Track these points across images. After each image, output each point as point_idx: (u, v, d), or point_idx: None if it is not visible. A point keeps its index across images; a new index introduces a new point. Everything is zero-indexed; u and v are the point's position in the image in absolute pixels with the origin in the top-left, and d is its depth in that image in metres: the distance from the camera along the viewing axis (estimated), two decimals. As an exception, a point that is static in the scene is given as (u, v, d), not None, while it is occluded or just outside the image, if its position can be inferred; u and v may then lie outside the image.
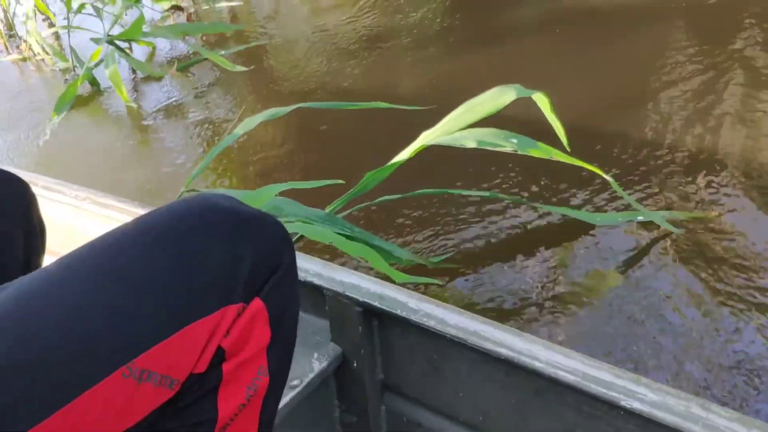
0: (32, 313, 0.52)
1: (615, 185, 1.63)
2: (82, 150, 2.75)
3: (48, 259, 0.72)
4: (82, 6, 3.70)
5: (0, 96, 3.51)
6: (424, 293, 1.29)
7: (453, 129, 1.55)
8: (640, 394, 0.73)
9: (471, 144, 1.50)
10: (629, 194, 1.73)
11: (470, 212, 1.82)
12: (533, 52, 2.81)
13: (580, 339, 1.38)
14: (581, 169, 1.62)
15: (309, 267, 0.98)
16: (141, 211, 1.19)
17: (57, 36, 4.32)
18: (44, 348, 0.50)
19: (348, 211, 1.68)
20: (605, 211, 1.74)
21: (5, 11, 4.50)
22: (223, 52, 3.26)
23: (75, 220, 1.28)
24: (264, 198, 1.48)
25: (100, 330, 0.52)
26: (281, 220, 1.39)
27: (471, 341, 0.84)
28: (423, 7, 3.54)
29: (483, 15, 3.35)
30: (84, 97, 3.21)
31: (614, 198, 1.76)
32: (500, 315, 1.47)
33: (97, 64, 3.22)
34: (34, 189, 0.82)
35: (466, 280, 1.59)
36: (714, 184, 1.77)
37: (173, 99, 3.02)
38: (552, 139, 1.55)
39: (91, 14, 3.69)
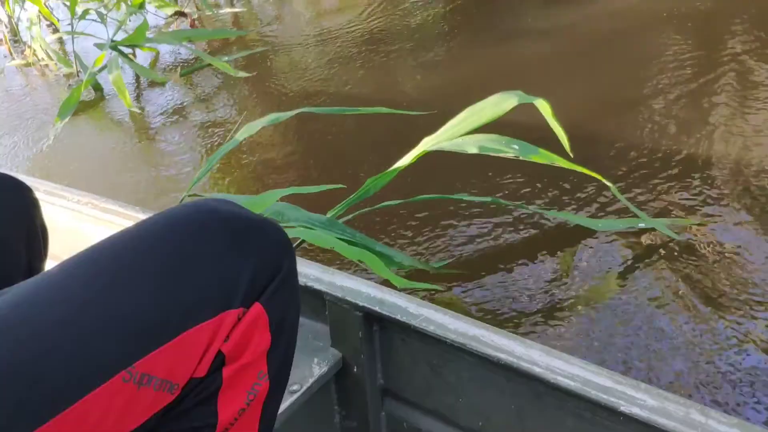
0: (31, 317, 0.52)
1: (616, 191, 1.64)
2: (85, 155, 2.76)
3: (50, 264, 0.73)
4: (86, 12, 3.72)
5: (4, 101, 3.53)
6: (424, 299, 1.30)
7: (455, 135, 1.55)
8: (639, 399, 0.73)
9: (472, 150, 1.50)
10: (630, 200, 1.73)
11: (471, 218, 1.82)
12: (533, 58, 2.82)
13: (579, 345, 1.38)
14: (582, 174, 1.62)
15: (309, 272, 0.99)
16: (142, 216, 1.20)
17: (61, 41, 4.35)
18: (43, 352, 0.50)
19: (349, 216, 1.69)
20: (606, 217, 1.74)
21: (10, 17, 4.52)
22: (226, 58, 3.28)
23: (77, 224, 1.29)
24: (266, 203, 1.49)
25: (99, 334, 0.52)
26: (283, 225, 1.39)
27: (471, 346, 0.84)
28: (425, 12, 3.55)
29: (484, 20, 3.36)
30: (87, 102, 3.22)
31: (616, 204, 1.76)
32: (500, 320, 1.47)
33: (100, 70, 3.23)
34: (37, 194, 0.83)
35: (467, 285, 1.59)
36: (714, 191, 1.77)
37: (176, 104, 3.03)
38: (553, 145, 1.55)
39: (95, 20, 3.71)
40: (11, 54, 4.30)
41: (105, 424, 0.52)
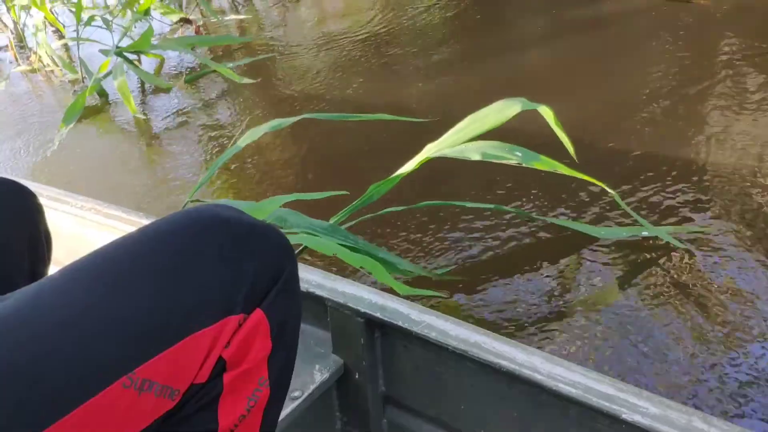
0: (32, 320, 0.52)
1: (618, 199, 1.63)
2: (89, 160, 2.78)
3: (53, 269, 0.73)
4: (91, 18, 3.75)
5: (9, 106, 3.55)
6: (427, 306, 1.29)
7: (458, 141, 1.55)
8: (641, 407, 0.73)
9: (475, 156, 1.50)
10: (630, 206, 1.73)
11: (474, 224, 1.82)
12: (537, 64, 2.83)
13: (581, 352, 1.38)
14: (585, 182, 1.62)
15: (311, 278, 0.99)
16: (145, 221, 1.20)
17: (66, 48, 4.37)
18: (43, 353, 0.50)
19: (352, 223, 1.69)
20: (608, 222, 1.74)
21: (15, 23, 4.55)
22: (230, 65, 3.29)
23: (80, 230, 1.29)
24: (269, 209, 1.49)
25: (100, 340, 0.52)
26: (285, 231, 1.40)
27: (472, 353, 0.84)
28: (428, 17, 3.57)
29: (487, 27, 3.37)
30: (92, 107, 3.24)
31: (618, 209, 1.76)
32: (502, 327, 1.46)
33: (105, 76, 3.25)
34: (41, 199, 0.83)
35: (470, 292, 1.59)
36: (718, 199, 1.77)
37: (180, 110, 3.04)
38: (556, 151, 1.55)
39: (100, 26, 3.74)
40: (17, 60, 4.33)
41: (105, 430, 0.51)
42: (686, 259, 1.58)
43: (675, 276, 1.53)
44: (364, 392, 0.99)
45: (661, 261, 1.58)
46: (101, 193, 2.33)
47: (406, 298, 0.98)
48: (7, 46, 4.50)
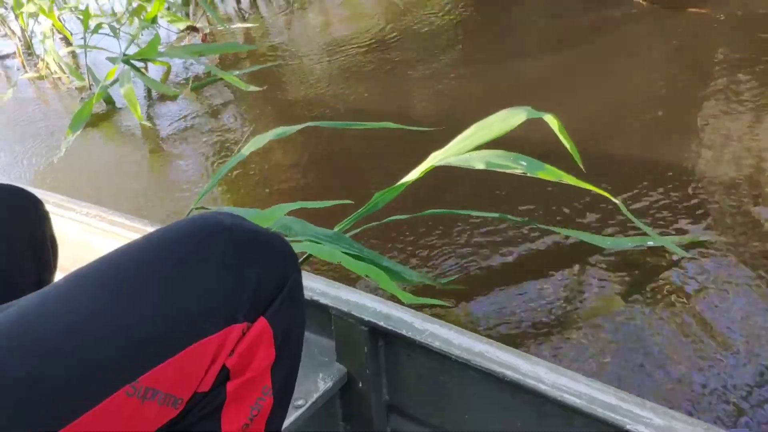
0: (36, 327, 0.52)
1: (624, 209, 1.63)
2: (95, 166, 2.79)
3: (59, 276, 0.73)
4: (99, 26, 3.77)
5: (17, 113, 3.57)
6: (432, 314, 1.29)
7: (463, 150, 1.55)
8: (645, 418, 0.72)
9: (480, 165, 1.50)
10: (634, 214, 1.72)
11: (479, 233, 1.82)
12: (542, 72, 2.83)
13: (585, 362, 1.37)
14: (590, 191, 1.62)
15: (315, 286, 0.99)
16: (149, 229, 1.20)
17: (74, 55, 4.40)
18: (47, 364, 0.50)
19: (357, 231, 1.69)
20: (611, 229, 1.73)
21: (24, 30, 4.58)
22: (236, 72, 3.30)
23: (85, 237, 1.29)
24: (273, 217, 1.49)
25: (104, 347, 0.52)
26: (289, 239, 1.40)
27: (476, 362, 0.83)
28: (433, 24, 3.58)
29: (491, 34, 3.38)
30: (99, 115, 3.25)
31: (623, 218, 1.76)
32: (507, 337, 1.46)
33: (112, 83, 3.26)
34: (46, 206, 0.83)
35: (474, 301, 1.58)
36: (727, 208, 1.76)
37: (187, 118, 3.05)
38: (561, 159, 1.55)
39: (107, 34, 3.76)
40: (24, 67, 4.35)
41: (109, 438, 0.51)
42: (692, 269, 1.57)
43: (679, 286, 1.53)
44: (367, 401, 0.99)
45: (666, 272, 1.58)
46: (106, 198, 2.34)
47: (410, 306, 0.98)
48: (14, 53, 4.53)
